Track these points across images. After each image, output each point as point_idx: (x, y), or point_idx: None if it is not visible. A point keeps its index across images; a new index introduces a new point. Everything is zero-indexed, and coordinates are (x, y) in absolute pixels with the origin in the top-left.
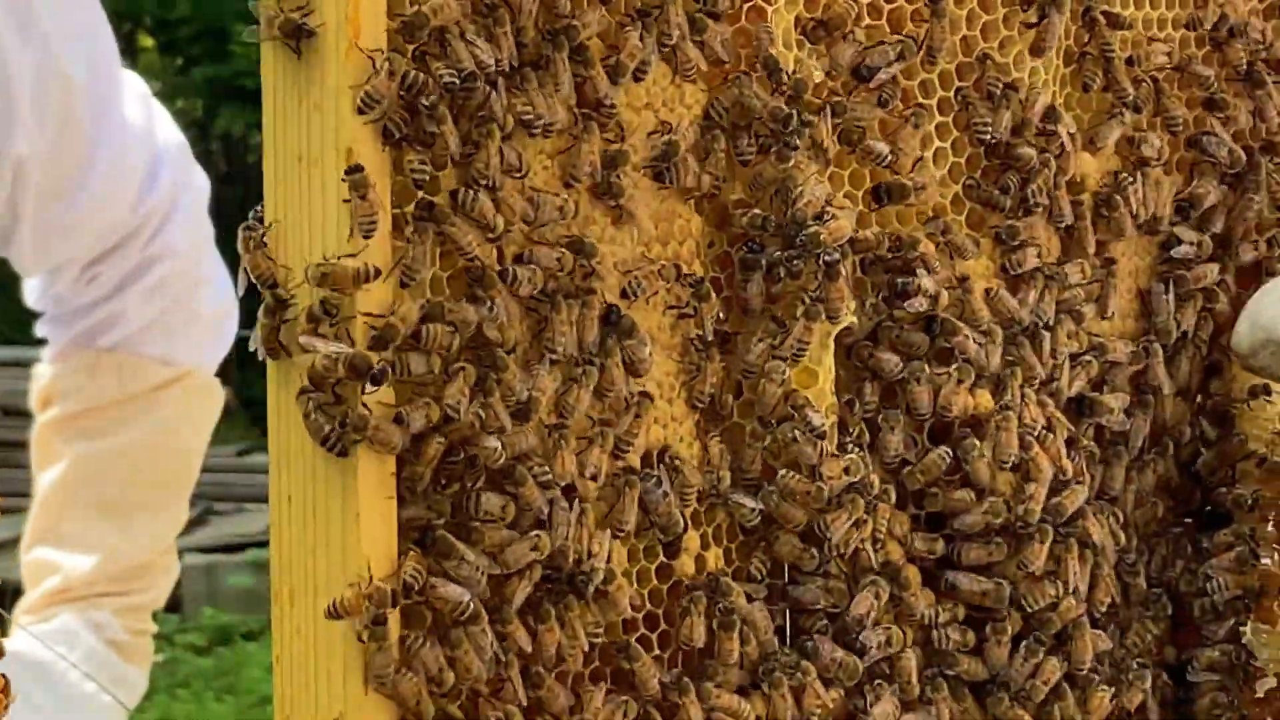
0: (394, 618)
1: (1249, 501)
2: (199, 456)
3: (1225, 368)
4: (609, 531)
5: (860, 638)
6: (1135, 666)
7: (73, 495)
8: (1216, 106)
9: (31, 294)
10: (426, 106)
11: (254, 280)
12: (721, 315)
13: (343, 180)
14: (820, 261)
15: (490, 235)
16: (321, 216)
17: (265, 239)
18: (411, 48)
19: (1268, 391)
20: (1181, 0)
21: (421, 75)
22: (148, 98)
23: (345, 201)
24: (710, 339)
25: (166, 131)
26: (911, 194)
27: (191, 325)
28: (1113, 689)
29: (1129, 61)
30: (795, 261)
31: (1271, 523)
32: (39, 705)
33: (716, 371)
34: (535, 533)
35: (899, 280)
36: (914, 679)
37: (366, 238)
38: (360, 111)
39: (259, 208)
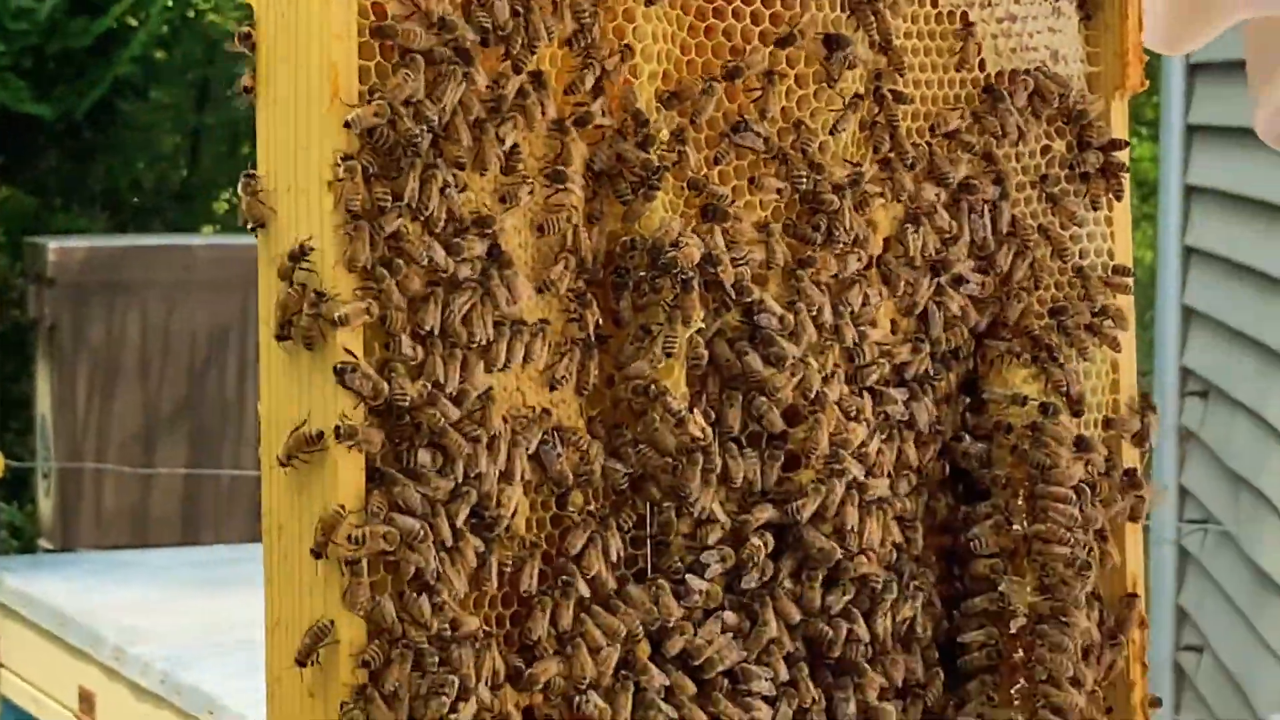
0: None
1: (1004, 480)
2: None
3: (985, 375)
4: (517, 485)
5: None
6: (911, 589)
7: None
8: (970, 189)
9: None
10: (395, 157)
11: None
12: (600, 322)
13: (335, 165)
14: (676, 279)
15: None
16: (308, 232)
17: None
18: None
19: (1024, 401)
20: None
21: (390, 132)
22: None
23: (339, 181)
24: (592, 340)
25: None
26: (730, 218)
27: None
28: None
29: (933, 128)
30: (657, 279)
31: (1020, 497)
32: None
33: (596, 366)
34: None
35: (755, 319)
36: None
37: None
38: (346, 126)
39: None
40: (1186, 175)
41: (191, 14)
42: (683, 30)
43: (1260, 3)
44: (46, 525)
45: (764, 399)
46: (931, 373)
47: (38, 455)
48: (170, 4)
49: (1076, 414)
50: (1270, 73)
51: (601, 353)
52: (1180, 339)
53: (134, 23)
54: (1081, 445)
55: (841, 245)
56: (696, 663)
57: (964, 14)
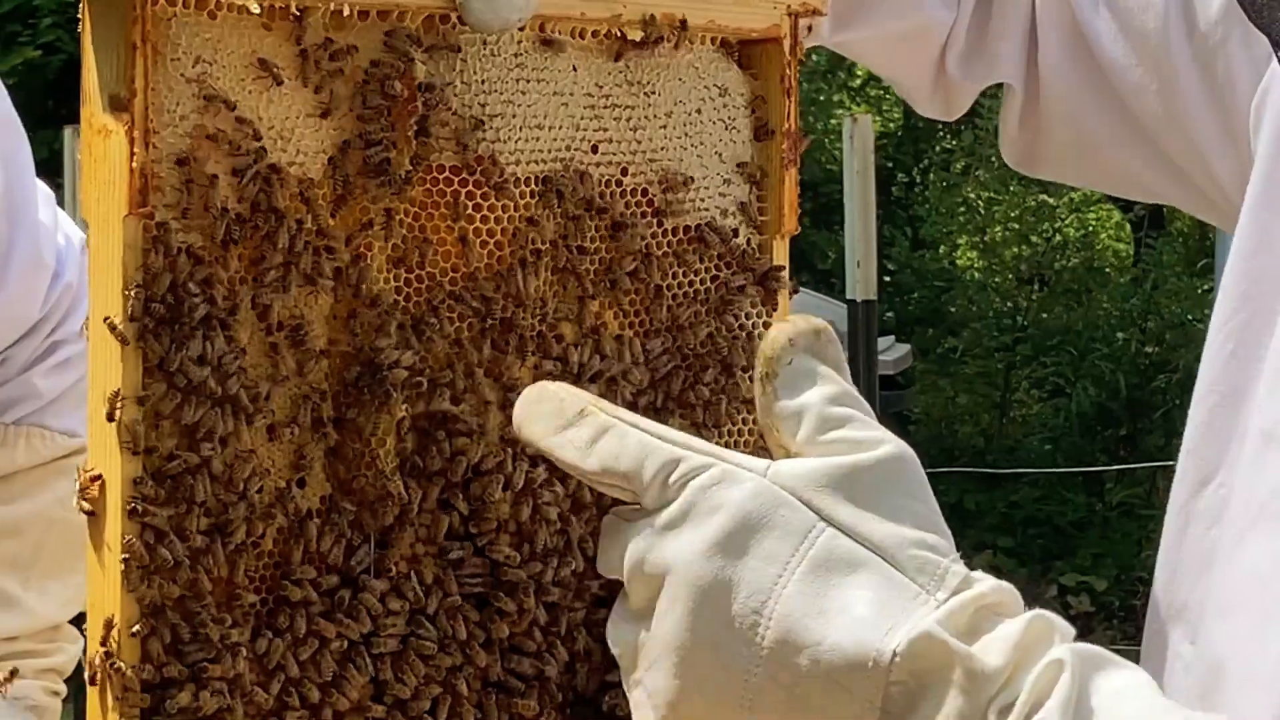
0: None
1: None
2: None
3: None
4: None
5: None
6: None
7: None
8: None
9: None
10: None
11: None
12: (331, 412)
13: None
14: (385, 390)
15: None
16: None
17: None
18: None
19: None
20: None
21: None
22: (52, 200)
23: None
24: (325, 420)
25: (68, 229)
26: (431, 338)
27: None
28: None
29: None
30: (374, 387)
31: None
32: None
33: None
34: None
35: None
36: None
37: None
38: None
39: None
40: None
41: None
42: (409, 218)
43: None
44: None
45: (458, 452)
46: None
47: None
48: None
49: None
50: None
51: (338, 428)
52: None
53: None
54: None
55: (530, 354)
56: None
57: (644, 189)
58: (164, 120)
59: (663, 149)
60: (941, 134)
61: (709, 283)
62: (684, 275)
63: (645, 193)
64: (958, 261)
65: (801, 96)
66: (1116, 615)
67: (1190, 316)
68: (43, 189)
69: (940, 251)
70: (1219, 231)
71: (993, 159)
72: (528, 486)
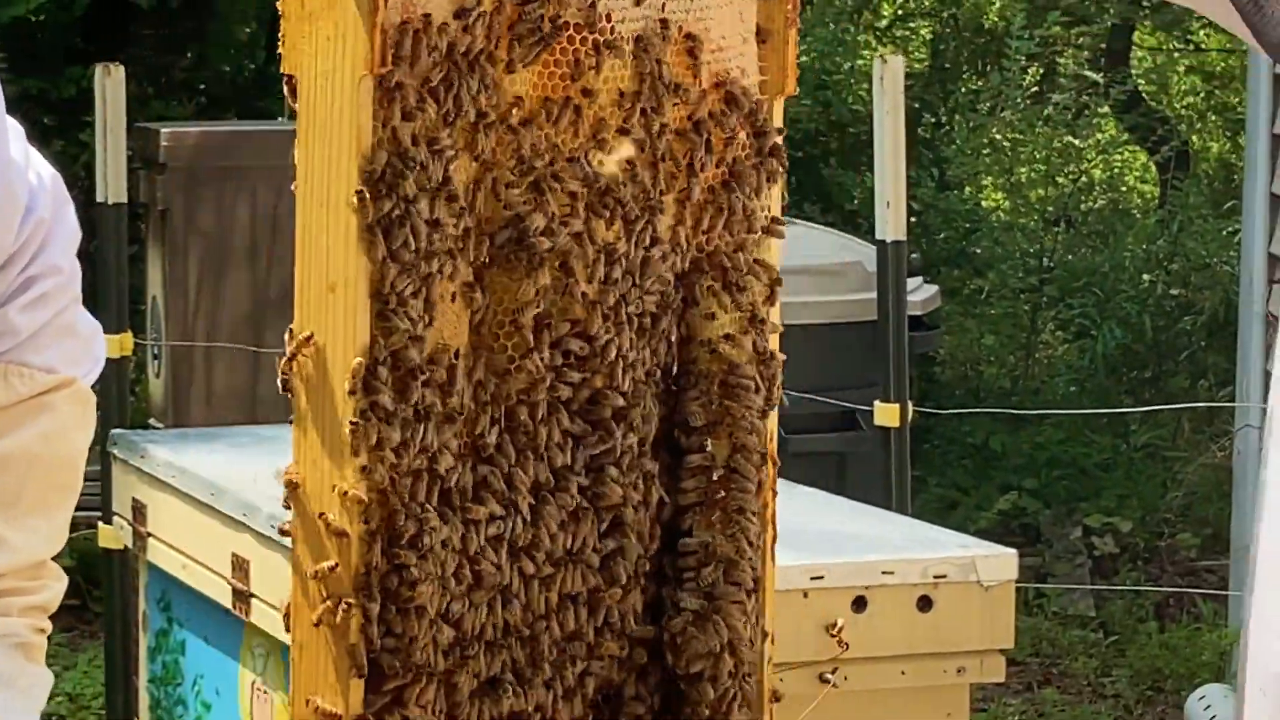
0: None
1: (705, 372)
2: (83, 464)
3: (691, 300)
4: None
5: None
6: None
7: None
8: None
9: None
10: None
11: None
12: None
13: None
14: (534, 256)
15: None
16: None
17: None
18: None
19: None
20: None
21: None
22: (22, 135)
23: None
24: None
25: (40, 166)
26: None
27: (69, 339)
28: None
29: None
30: (519, 253)
31: (716, 384)
32: None
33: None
34: None
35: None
36: None
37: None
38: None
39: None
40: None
41: None
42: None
43: None
44: (157, 404)
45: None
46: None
47: (148, 337)
48: None
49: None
50: None
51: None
52: (1268, 226)
53: None
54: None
55: (627, 220)
56: None
57: (690, 49)
58: None
59: (706, 6)
60: (967, 75)
61: (732, 144)
62: (719, 134)
63: (692, 53)
64: (984, 203)
65: (827, 36)
66: (1141, 556)
67: (1216, 259)
68: (13, 125)
69: (966, 193)
70: (1246, 172)
71: (1019, 99)
72: (629, 352)
